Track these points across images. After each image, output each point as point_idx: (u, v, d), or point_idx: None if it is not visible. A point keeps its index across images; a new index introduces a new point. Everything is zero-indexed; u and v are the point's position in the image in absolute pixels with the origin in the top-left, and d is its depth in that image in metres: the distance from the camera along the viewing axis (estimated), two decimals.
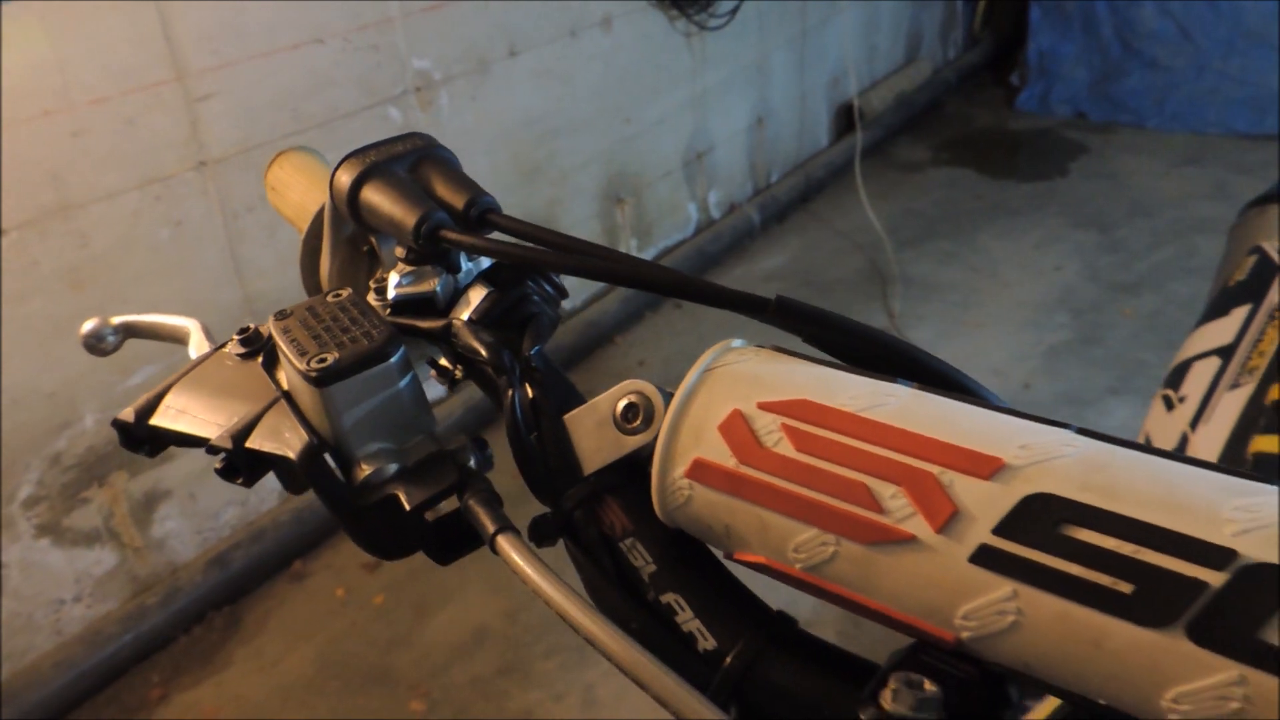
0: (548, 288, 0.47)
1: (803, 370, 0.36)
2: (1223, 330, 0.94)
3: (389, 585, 2.11)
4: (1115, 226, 3.40)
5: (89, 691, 1.92)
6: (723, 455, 0.35)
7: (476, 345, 0.43)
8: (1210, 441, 0.82)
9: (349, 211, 0.47)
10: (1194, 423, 0.87)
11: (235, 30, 1.94)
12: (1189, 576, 0.27)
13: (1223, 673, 0.26)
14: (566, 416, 0.41)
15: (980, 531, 0.30)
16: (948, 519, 0.30)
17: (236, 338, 0.47)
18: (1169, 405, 0.92)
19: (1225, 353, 0.92)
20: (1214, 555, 0.27)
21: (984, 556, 0.30)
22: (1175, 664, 0.27)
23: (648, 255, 3.18)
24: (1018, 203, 3.66)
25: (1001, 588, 0.29)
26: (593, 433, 0.40)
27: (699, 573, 0.39)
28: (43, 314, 1.74)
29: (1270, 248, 0.99)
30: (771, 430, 0.34)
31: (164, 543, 2.07)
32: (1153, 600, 0.27)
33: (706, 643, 0.37)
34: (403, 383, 0.42)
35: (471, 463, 0.42)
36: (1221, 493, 0.28)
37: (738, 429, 0.35)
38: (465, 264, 0.47)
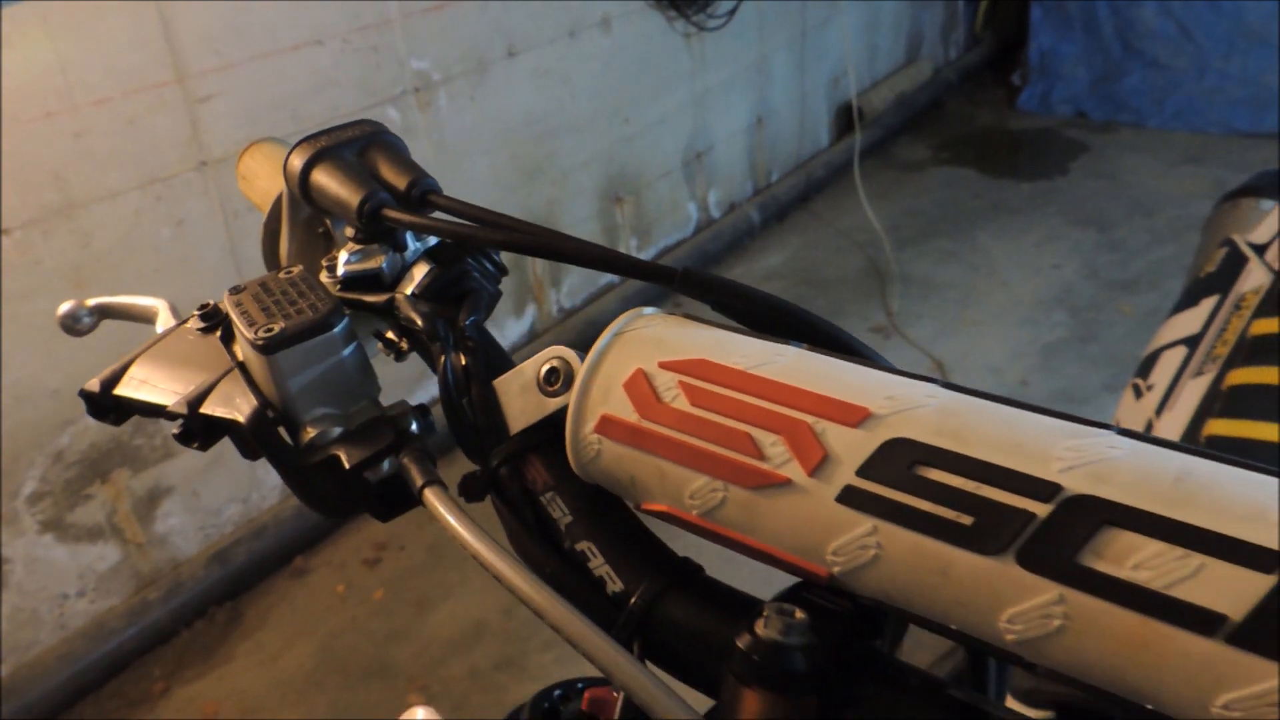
0: (488, 265, 0.50)
1: (703, 333, 0.39)
2: (1191, 320, 0.96)
3: (389, 581, 2.13)
4: (1115, 225, 3.41)
5: (92, 685, 1.94)
6: (627, 411, 0.38)
7: (414, 316, 0.46)
8: (1172, 427, 0.84)
9: (300, 193, 0.49)
10: (1159, 410, 0.88)
11: (235, 32, 1.96)
12: (1020, 508, 0.30)
13: (1046, 594, 0.29)
14: (495, 381, 0.44)
15: (846, 473, 0.33)
16: (819, 463, 0.33)
17: (197, 313, 0.50)
18: (1138, 394, 0.94)
19: (1192, 342, 0.93)
20: (1042, 489, 0.29)
21: (849, 496, 0.32)
22: (1008, 587, 0.29)
23: (648, 254, 3.20)
24: (1018, 202, 3.67)
25: (863, 524, 0.32)
26: (518, 396, 0.43)
27: (611, 523, 0.42)
28: (45, 312, 1.77)
29: (1240, 240, 1.01)
30: (670, 387, 0.37)
31: (166, 539, 2.09)
32: (989, 530, 0.30)
33: (615, 585, 0.40)
34: (346, 352, 0.45)
35: (414, 428, 0.45)
36: (1056, 434, 0.31)
37: (640, 386, 0.38)
38: (413, 244, 0.50)
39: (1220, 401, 0.83)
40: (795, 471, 0.33)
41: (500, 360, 0.47)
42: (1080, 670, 0.29)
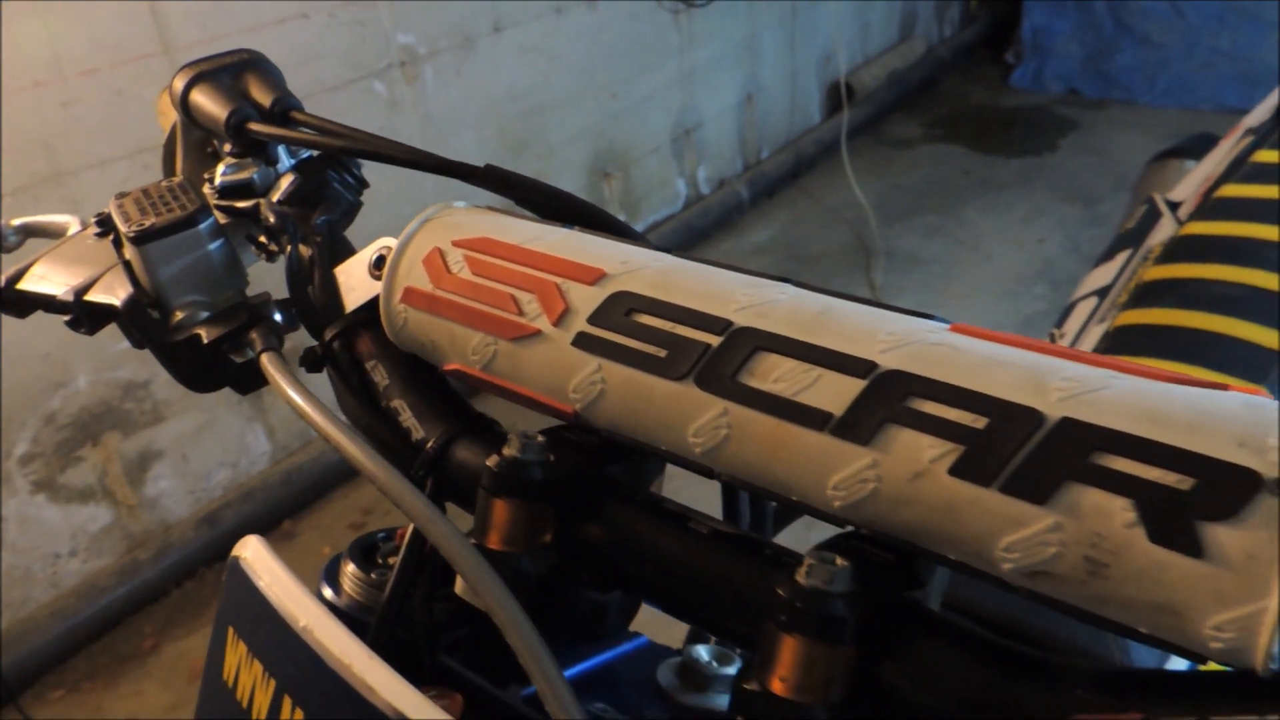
0: (349, 178, 0.56)
1: (496, 219, 0.46)
2: (1105, 273, 1.01)
3: None
4: (1100, 201, 3.43)
5: (84, 641, 2.00)
6: (424, 282, 0.44)
7: (269, 214, 0.52)
8: None
9: (181, 111, 0.56)
10: None
11: (221, 5, 2.00)
12: (700, 340, 0.36)
13: (715, 409, 0.35)
14: (336, 269, 0.51)
15: (580, 322, 0.39)
16: (561, 314, 0.39)
17: (94, 220, 0.55)
18: (1051, 342, 0.98)
19: (1103, 293, 0.98)
20: (718, 325, 0.36)
21: (581, 340, 0.39)
22: (690, 406, 0.35)
23: (637, 228, 3.23)
24: (1006, 178, 3.69)
25: (592, 364, 0.38)
26: (353, 280, 0.50)
27: (420, 384, 0.48)
28: None
29: (1159, 199, 1.05)
30: (458, 260, 0.44)
31: (157, 501, 2.14)
32: (677, 360, 0.36)
33: (418, 434, 0.46)
34: (211, 246, 0.52)
35: (277, 317, 0.50)
36: (741, 285, 0.38)
37: (435, 261, 0.44)
38: (286, 160, 0.56)
39: (1107, 341, 0.87)
40: (544, 323, 0.40)
41: (348, 256, 0.53)
42: (745, 473, 0.35)
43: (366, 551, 0.48)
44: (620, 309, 0.38)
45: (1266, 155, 1.04)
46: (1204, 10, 4.05)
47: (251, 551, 0.39)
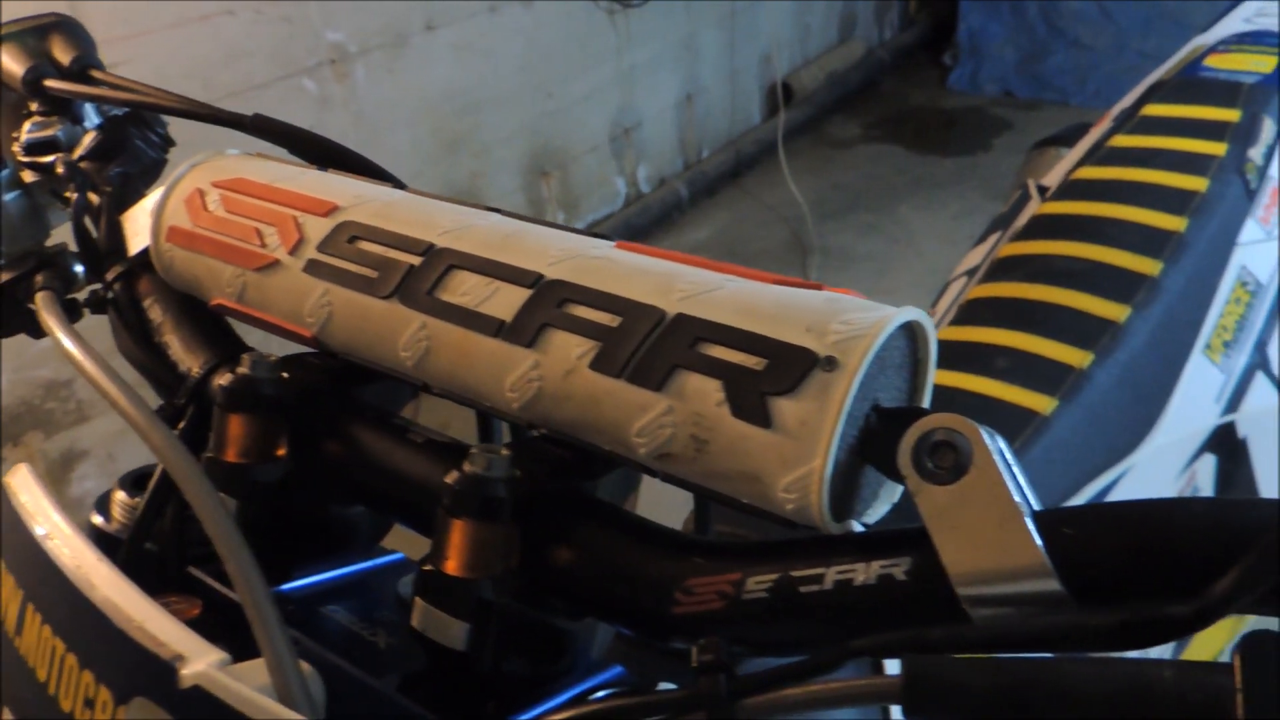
0: (152, 136, 0.59)
1: (258, 163, 0.49)
2: (977, 254, 1.05)
3: None
4: None
5: None
6: (185, 220, 0.47)
7: (61, 169, 0.55)
8: None
9: None
10: None
11: (144, 1, 2.00)
12: (403, 261, 0.39)
13: (415, 323, 0.38)
14: (122, 216, 0.53)
15: (311, 250, 0.42)
16: (295, 244, 0.43)
17: None
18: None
19: (971, 273, 1.02)
20: (420, 246, 0.39)
21: (311, 267, 0.42)
22: (397, 322, 0.39)
23: (576, 226, 3.26)
24: (941, 177, 3.77)
25: (320, 288, 0.41)
26: (137, 226, 0.53)
27: (190, 319, 0.51)
28: None
29: (1031, 183, 1.10)
30: (215, 199, 0.46)
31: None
32: (385, 280, 0.39)
33: (183, 366, 0.49)
34: (7, 198, 0.54)
35: (77, 268, 0.52)
36: (452, 214, 0.41)
37: (195, 201, 0.47)
38: (95, 119, 0.58)
39: (959, 314, 0.91)
40: (281, 253, 0.43)
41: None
42: (448, 383, 0.38)
43: (139, 481, 0.51)
44: (345, 236, 0.41)
45: (1121, 140, 1.09)
46: (1131, 14, 4.17)
47: (19, 478, 0.42)
